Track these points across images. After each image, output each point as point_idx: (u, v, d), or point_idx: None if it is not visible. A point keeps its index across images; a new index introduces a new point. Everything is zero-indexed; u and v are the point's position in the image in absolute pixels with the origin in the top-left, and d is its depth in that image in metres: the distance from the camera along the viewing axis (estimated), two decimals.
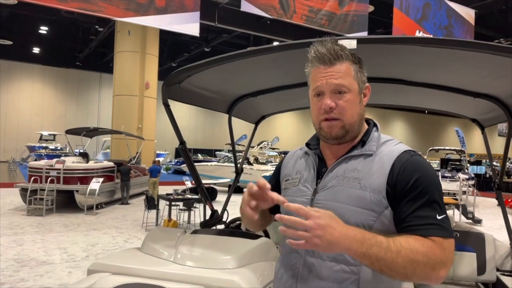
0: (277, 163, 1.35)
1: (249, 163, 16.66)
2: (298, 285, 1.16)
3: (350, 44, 1.71)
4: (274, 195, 1.10)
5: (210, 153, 30.66)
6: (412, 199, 1.07)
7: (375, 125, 1.25)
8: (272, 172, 1.51)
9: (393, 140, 1.20)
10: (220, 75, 2.55)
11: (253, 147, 23.77)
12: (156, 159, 14.02)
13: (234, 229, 3.04)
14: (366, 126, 1.24)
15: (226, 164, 16.81)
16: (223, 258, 1.87)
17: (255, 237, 2.22)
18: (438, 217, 1.05)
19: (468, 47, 1.82)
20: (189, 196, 8.70)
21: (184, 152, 2.84)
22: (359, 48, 1.92)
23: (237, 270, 1.79)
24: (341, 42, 1.74)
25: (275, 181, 1.39)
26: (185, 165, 23.50)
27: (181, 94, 2.63)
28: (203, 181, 3.43)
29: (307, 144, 1.31)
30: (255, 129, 3.98)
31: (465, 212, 10.39)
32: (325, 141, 1.22)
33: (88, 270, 1.84)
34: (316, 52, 1.17)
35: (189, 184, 10.79)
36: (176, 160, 26.95)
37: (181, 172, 23.10)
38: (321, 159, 1.24)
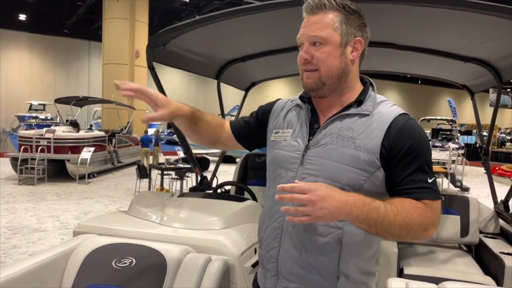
0: None
1: None
2: (283, 237, 1.18)
3: None
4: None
5: None
6: (407, 163, 1.08)
7: (371, 84, 1.23)
8: None
9: (387, 101, 1.19)
10: (208, 37, 2.48)
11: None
12: (155, 128, 14.00)
13: (221, 193, 3.06)
14: (360, 85, 1.23)
15: None
16: (209, 219, 1.88)
17: (242, 199, 2.23)
18: (429, 181, 1.09)
19: (459, 5, 1.78)
20: (181, 166, 8.71)
21: None
22: None
23: (223, 231, 1.80)
24: None
25: (257, 119, 1.37)
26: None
27: (166, 56, 2.56)
28: (196, 151, 3.41)
29: (301, 97, 1.28)
30: (245, 96, 3.94)
31: (453, 181, 10.57)
32: (308, 93, 1.22)
33: (73, 231, 1.84)
34: (306, 1, 1.17)
35: (181, 154, 10.79)
36: (169, 131, 26.80)
37: (173, 142, 23.01)
38: (314, 114, 1.22)
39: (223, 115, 3.79)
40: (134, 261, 1.49)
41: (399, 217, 1.00)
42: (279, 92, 36.86)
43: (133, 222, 1.91)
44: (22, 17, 27.85)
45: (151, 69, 2.53)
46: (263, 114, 1.37)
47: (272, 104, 1.37)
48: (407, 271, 2.30)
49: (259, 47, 2.81)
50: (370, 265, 1.18)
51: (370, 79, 1.25)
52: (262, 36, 2.57)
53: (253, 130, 1.38)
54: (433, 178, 1.10)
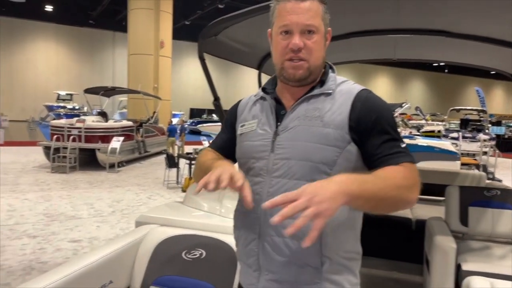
0: None
1: None
2: (261, 228, 1.14)
3: None
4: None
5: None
6: (378, 132, 1.10)
7: (331, 67, 1.25)
8: None
9: (349, 81, 1.22)
10: (255, 27, 2.45)
11: None
12: (179, 118, 14.20)
13: None
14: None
15: None
16: None
17: None
18: (402, 146, 1.10)
19: None
20: None
21: (218, 108, 2.80)
22: None
23: None
24: None
25: (231, 128, 1.32)
26: (201, 125, 23.60)
27: (216, 47, 2.54)
28: None
29: (263, 89, 1.27)
30: None
31: (485, 172, 10.29)
32: (286, 82, 1.19)
33: (136, 222, 1.87)
34: None
35: (206, 143, 10.87)
36: (191, 121, 27.03)
37: (196, 132, 23.23)
38: (279, 102, 1.22)
39: None
40: (204, 253, 1.50)
41: (387, 181, 0.99)
42: None
43: (192, 213, 1.92)
44: (49, 8, 28.39)
45: (202, 60, 2.52)
46: (232, 118, 1.34)
47: (236, 105, 1.36)
48: (465, 267, 2.24)
49: None
50: (352, 248, 1.17)
51: (329, 63, 1.26)
52: None
53: (233, 141, 1.31)
54: (405, 144, 1.11)
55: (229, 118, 1.34)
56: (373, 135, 1.10)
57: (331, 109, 1.13)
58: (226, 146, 1.31)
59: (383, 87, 40.51)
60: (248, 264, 1.18)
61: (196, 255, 1.49)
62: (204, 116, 29.24)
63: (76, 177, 9.43)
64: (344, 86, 1.19)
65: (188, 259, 1.49)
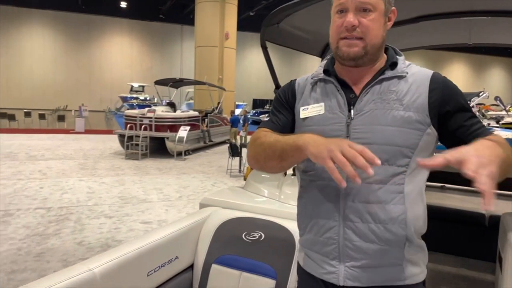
0: None
1: None
2: (342, 214, 1.10)
3: None
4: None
5: None
6: (460, 110, 1.11)
7: (393, 48, 1.21)
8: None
9: (413, 64, 1.20)
10: (319, 14, 2.42)
11: None
12: (242, 109, 14.49)
13: None
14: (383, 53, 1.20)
15: None
16: None
17: None
18: (481, 122, 1.14)
19: None
20: None
21: None
22: None
23: None
24: None
25: (290, 108, 1.23)
26: (263, 115, 23.82)
27: (278, 35, 2.55)
28: None
29: (326, 70, 1.19)
30: None
31: None
32: (341, 62, 1.14)
33: (200, 204, 1.97)
34: None
35: None
36: (254, 111, 27.40)
37: (259, 122, 23.50)
38: (344, 85, 1.16)
39: None
40: (264, 235, 1.54)
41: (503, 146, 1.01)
42: None
43: (253, 198, 1.97)
44: (123, 4, 30.22)
45: (264, 48, 2.55)
46: (291, 98, 1.24)
47: (292, 85, 1.27)
48: None
49: None
50: (423, 227, 1.15)
51: (393, 46, 1.22)
52: None
53: (293, 122, 1.23)
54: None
55: (287, 98, 1.25)
56: (456, 114, 1.12)
57: (409, 92, 1.11)
58: (288, 127, 1.22)
59: (458, 74, 37.80)
60: (324, 253, 1.14)
61: (255, 237, 1.54)
62: (267, 106, 29.51)
63: (147, 163, 10.04)
64: (414, 69, 1.16)
65: (248, 240, 1.54)
